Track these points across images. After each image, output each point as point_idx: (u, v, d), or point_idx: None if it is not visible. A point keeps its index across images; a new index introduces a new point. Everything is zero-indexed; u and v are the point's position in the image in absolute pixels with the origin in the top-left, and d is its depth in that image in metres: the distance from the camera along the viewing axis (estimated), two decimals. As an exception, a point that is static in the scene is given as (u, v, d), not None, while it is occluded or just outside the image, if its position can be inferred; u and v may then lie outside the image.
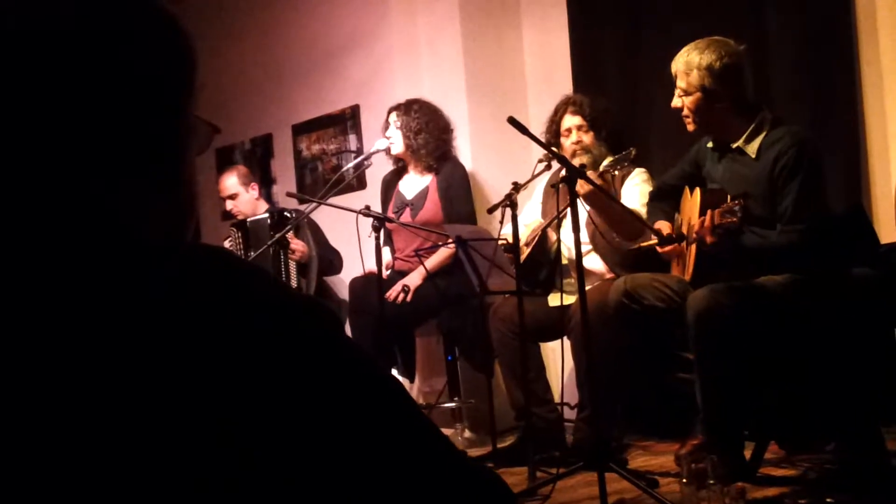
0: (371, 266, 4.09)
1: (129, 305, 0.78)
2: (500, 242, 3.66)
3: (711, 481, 2.54)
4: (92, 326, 0.77)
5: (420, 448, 0.85)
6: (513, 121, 3.12)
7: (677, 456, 3.31)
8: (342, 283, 5.13)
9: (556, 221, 3.84)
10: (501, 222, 3.66)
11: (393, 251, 4.84)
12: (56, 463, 0.74)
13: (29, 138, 0.82)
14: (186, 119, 0.91)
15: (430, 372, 5.08)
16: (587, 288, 3.25)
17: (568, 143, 4.13)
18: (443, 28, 5.13)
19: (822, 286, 3.12)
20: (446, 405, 4.67)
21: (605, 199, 3.55)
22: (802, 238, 3.15)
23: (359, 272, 4.56)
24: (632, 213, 3.61)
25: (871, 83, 4.01)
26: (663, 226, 3.49)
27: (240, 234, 5.14)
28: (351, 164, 4.74)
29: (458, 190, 4.66)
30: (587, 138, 4.11)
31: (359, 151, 5.54)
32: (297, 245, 4.93)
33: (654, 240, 3.49)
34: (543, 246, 4.09)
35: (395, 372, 4.70)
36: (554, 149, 3.53)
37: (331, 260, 5.13)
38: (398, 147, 4.71)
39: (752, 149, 3.30)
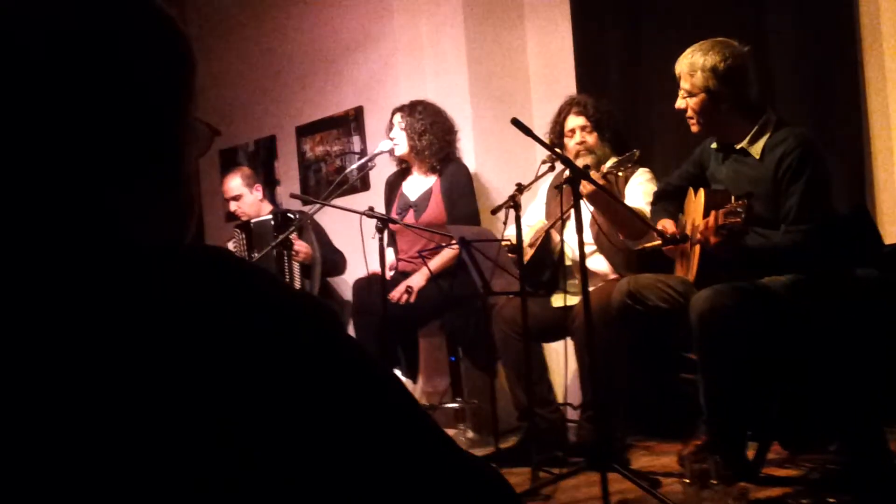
0: (375, 267, 4.10)
1: (130, 306, 0.78)
2: (503, 243, 3.67)
3: (714, 481, 2.54)
4: (93, 327, 0.77)
5: (422, 446, 0.85)
6: (516, 122, 3.13)
7: (680, 456, 3.31)
8: (346, 284, 5.13)
9: (559, 222, 3.84)
10: (505, 223, 3.66)
11: (396, 252, 4.84)
12: (56, 464, 0.74)
13: (28, 140, 0.82)
14: (186, 120, 0.91)
15: (433, 372, 5.08)
16: (590, 289, 3.25)
17: (572, 143, 4.13)
18: (446, 30, 5.14)
19: (826, 287, 3.12)
20: (449, 406, 4.67)
21: (609, 200, 3.56)
22: (806, 239, 3.15)
23: (362, 273, 4.56)
24: (635, 214, 3.61)
25: (874, 83, 4.01)
26: (667, 224, 3.49)
27: (244, 236, 5.15)
28: (354, 166, 4.75)
29: (461, 191, 4.66)
30: (591, 139, 4.11)
31: (362, 153, 5.55)
32: (300, 246, 4.93)
33: (657, 240, 3.50)
34: (547, 247, 4.09)
35: (398, 372, 4.71)
36: (557, 150, 3.53)
37: (335, 261, 5.13)
38: (402, 148, 4.71)
39: (757, 150, 3.30)
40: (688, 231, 3.42)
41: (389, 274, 4.54)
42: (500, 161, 5.04)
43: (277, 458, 0.79)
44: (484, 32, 5.16)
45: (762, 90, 3.59)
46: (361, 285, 4.61)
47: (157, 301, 0.79)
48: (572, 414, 4.18)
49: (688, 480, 2.61)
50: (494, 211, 3.71)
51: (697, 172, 3.58)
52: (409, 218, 4.66)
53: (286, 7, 6.04)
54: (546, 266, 4.10)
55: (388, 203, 4.93)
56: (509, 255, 3.70)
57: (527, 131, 3.16)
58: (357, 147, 5.70)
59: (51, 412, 0.75)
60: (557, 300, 4.07)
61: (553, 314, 4.01)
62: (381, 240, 3.96)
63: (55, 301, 0.77)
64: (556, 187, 3.78)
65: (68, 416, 0.75)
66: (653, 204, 3.77)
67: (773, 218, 3.21)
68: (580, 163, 3.59)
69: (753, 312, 3.05)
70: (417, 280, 4.51)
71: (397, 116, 4.74)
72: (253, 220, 5.15)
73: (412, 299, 4.45)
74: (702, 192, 3.37)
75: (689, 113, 3.37)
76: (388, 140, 4.67)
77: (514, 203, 3.51)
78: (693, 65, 3.31)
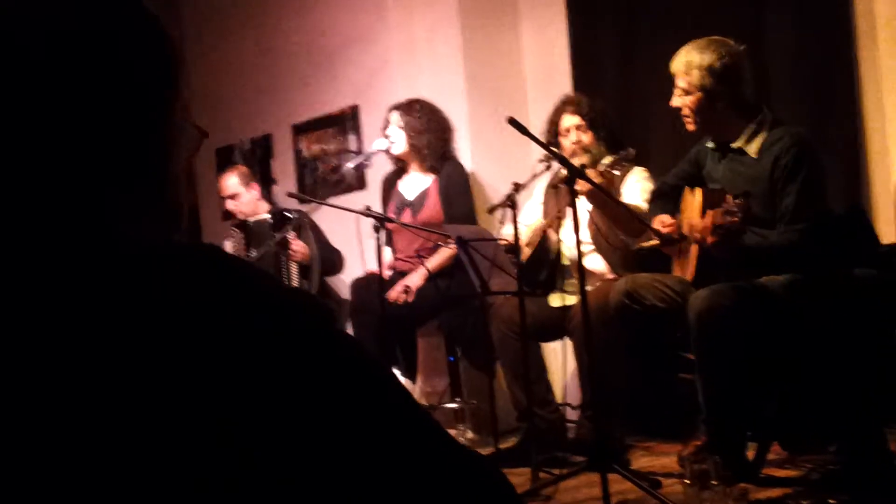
0: (372, 266, 4.09)
1: (129, 305, 0.78)
2: (500, 243, 3.66)
3: (714, 482, 2.54)
4: (92, 326, 0.76)
5: (422, 445, 0.85)
6: (512, 121, 3.12)
7: (680, 457, 3.31)
8: (343, 283, 5.13)
9: (557, 222, 3.84)
10: (502, 222, 3.65)
11: (394, 252, 4.84)
12: (56, 464, 0.74)
13: (23, 139, 0.82)
14: (174, 120, 0.92)
15: (431, 373, 5.08)
16: (588, 288, 3.25)
17: (567, 142, 4.13)
18: (442, 28, 5.13)
19: (823, 286, 3.12)
20: (448, 406, 4.66)
21: (606, 198, 3.55)
22: (803, 238, 3.15)
23: (360, 273, 4.56)
24: (633, 212, 3.61)
25: (870, 83, 4.01)
26: (665, 217, 3.48)
27: (241, 235, 5.15)
28: (351, 165, 4.74)
29: (458, 190, 4.66)
30: (586, 138, 4.11)
31: (359, 151, 5.54)
32: (297, 246, 4.93)
33: (655, 240, 3.49)
34: (544, 246, 4.09)
35: (396, 372, 4.70)
36: (554, 149, 3.53)
37: (332, 260, 5.13)
38: (400, 147, 4.70)
39: (753, 149, 3.30)
40: (685, 231, 3.42)
41: (387, 273, 4.53)
42: (496, 160, 5.03)
43: (277, 458, 0.78)
44: (480, 31, 5.15)
45: (758, 89, 3.60)
46: (359, 285, 4.61)
47: (155, 300, 0.79)
48: (571, 414, 4.19)
49: (688, 481, 2.60)
50: (491, 210, 3.71)
51: (694, 171, 3.57)
52: (406, 217, 4.66)
53: (282, 6, 6.03)
54: (544, 265, 4.09)
55: (385, 202, 4.92)
56: (507, 254, 3.70)
57: (523, 130, 3.15)
58: (353, 146, 5.69)
59: (50, 412, 0.75)
60: (555, 300, 4.06)
61: (551, 314, 4.01)
62: (378, 239, 3.95)
63: (53, 300, 0.77)
64: (553, 186, 3.78)
65: (67, 416, 0.75)
66: (649, 203, 3.76)
67: (770, 217, 3.21)
68: (576, 162, 3.58)
69: (751, 312, 3.05)
70: (415, 279, 4.51)
71: (394, 114, 4.73)
72: (251, 220, 5.14)
73: (410, 299, 4.45)
74: (698, 191, 3.37)
75: (685, 112, 3.37)
76: (383, 139, 4.67)
77: (510, 202, 3.51)
78: (689, 63, 3.31)
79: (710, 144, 3.48)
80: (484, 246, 3.61)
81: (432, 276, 4.39)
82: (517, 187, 3.57)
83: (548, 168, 3.85)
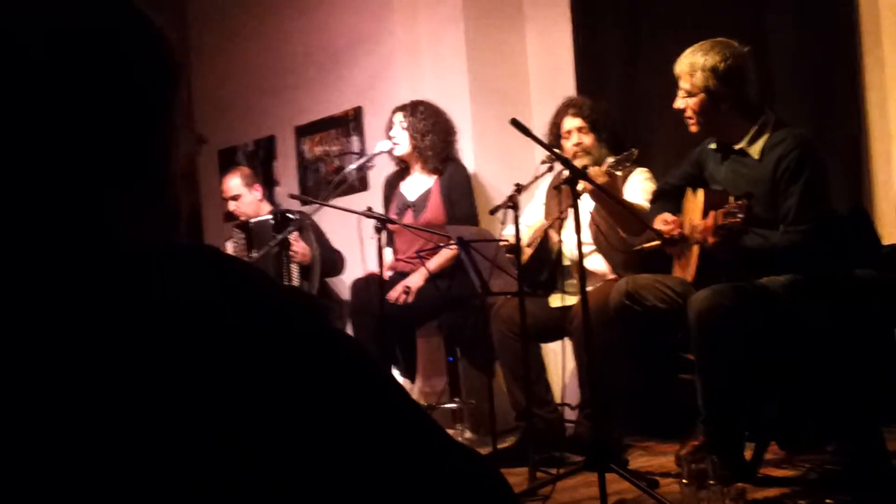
0: (373, 267, 4.10)
1: (129, 305, 0.78)
2: (501, 244, 3.67)
3: (712, 482, 2.54)
4: (91, 328, 0.77)
5: (422, 444, 0.85)
6: (515, 122, 3.13)
7: (678, 456, 3.30)
8: (344, 284, 5.13)
9: (558, 222, 3.85)
10: (503, 224, 3.66)
11: (395, 252, 4.84)
12: (57, 464, 0.74)
13: (24, 140, 0.82)
14: (172, 120, 0.92)
15: (431, 372, 5.08)
16: (589, 289, 3.25)
17: (568, 144, 4.13)
18: (446, 30, 5.14)
19: (824, 287, 3.12)
20: (447, 406, 4.67)
21: (609, 199, 3.55)
22: (805, 239, 3.15)
23: (361, 273, 4.57)
24: (635, 211, 3.62)
25: (873, 84, 4.01)
26: (667, 215, 3.48)
27: (243, 235, 5.15)
28: (353, 166, 4.75)
29: (460, 191, 4.66)
30: (587, 140, 4.12)
31: (361, 153, 5.54)
32: (298, 247, 4.93)
33: (656, 241, 3.50)
34: (545, 247, 4.09)
35: (396, 372, 4.71)
36: (556, 150, 3.54)
37: (333, 261, 5.13)
38: (404, 148, 4.71)
39: (755, 150, 3.30)
40: (686, 231, 3.42)
41: (387, 274, 4.54)
42: (499, 161, 5.04)
43: (277, 458, 0.78)
44: (484, 33, 5.16)
45: (761, 90, 3.60)
46: (360, 285, 4.61)
47: (156, 300, 0.79)
48: (570, 414, 4.18)
49: (685, 481, 2.60)
50: (493, 211, 3.71)
51: (696, 173, 3.58)
52: (408, 218, 4.66)
53: (286, 7, 6.04)
54: (544, 266, 4.10)
55: (387, 203, 4.93)
56: (507, 255, 3.71)
57: (526, 132, 3.16)
58: (356, 147, 5.70)
59: (50, 412, 0.75)
60: (555, 300, 4.07)
61: (551, 314, 4.01)
62: (379, 240, 3.95)
63: (54, 301, 0.77)
64: (555, 188, 3.79)
65: (68, 417, 0.75)
66: (651, 203, 3.77)
67: (772, 218, 3.21)
68: (577, 164, 3.59)
69: (752, 312, 3.05)
70: (415, 280, 4.51)
71: (398, 115, 4.74)
72: (252, 220, 5.15)
73: (410, 299, 4.45)
74: (700, 192, 3.37)
75: (689, 113, 3.38)
76: (387, 140, 4.67)
77: (512, 203, 3.51)
78: (693, 65, 3.31)
79: (712, 146, 3.48)
80: (484, 247, 3.61)
81: (433, 277, 4.39)
82: (519, 188, 3.58)
83: (550, 169, 3.86)
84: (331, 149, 5.86)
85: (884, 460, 3.02)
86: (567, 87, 4.95)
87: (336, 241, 5.15)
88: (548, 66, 5.22)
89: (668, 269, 3.58)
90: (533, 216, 4.34)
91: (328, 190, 4.44)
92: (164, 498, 0.75)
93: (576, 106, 4.19)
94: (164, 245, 0.85)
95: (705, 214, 3.21)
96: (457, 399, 4.68)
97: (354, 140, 5.72)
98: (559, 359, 4.25)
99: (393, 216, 4.67)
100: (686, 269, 3.41)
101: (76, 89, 0.83)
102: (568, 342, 3.98)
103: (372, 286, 4.30)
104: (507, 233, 3.62)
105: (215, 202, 6.19)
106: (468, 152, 4.99)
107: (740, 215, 3.01)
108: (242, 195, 5.27)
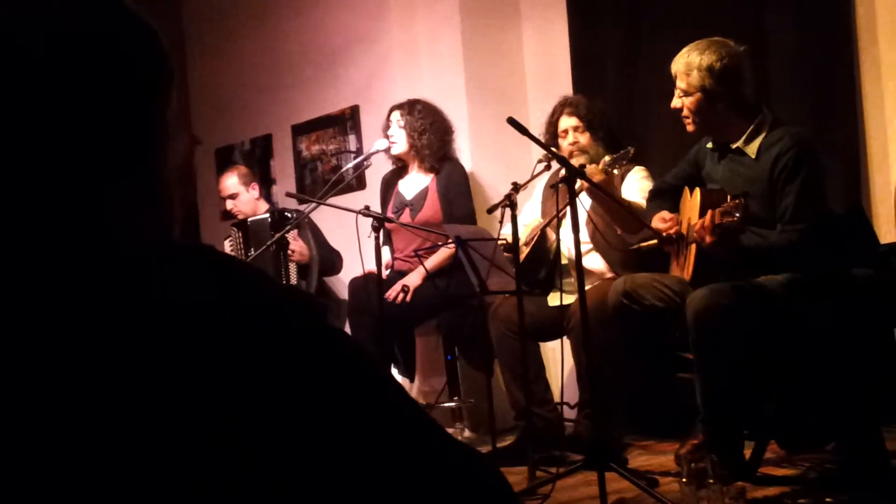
0: (371, 266, 4.09)
1: (129, 304, 0.78)
2: (499, 242, 3.67)
3: (711, 481, 2.54)
4: (90, 327, 0.77)
5: (420, 443, 0.85)
6: (512, 121, 3.13)
7: (677, 455, 3.31)
8: (342, 283, 5.13)
9: (555, 221, 3.84)
10: (501, 222, 3.66)
11: (392, 251, 4.84)
12: (57, 464, 0.74)
13: (14, 139, 0.82)
14: (168, 119, 0.92)
15: (429, 371, 5.08)
16: (587, 288, 3.25)
17: (565, 144, 4.14)
18: (443, 29, 5.14)
19: (822, 286, 3.13)
20: (446, 405, 4.67)
21: (607, 194, 3.55)
22: (802, 238, 3.15)
23: (358, 272, 4.56)
24: (632, 210, 3.61)
25: (870, 84, 4.02)
26: (665, 214, 3.49)
27: (240, 234, 5.15)
28: (350, 165, 4.74)
29: (457, 190, 4.66)
30: (583, 139, 4.12)
31: (358, 152, 5.54)
32: (296, 246, 4.93)
33: (653, 240, 3.50)
34: (543, 246, 4.09)
35: (395, 371, 4.71)
36: (553, 149, 3.54)
37: (331, 260, 5.13)
38: (401, 146, 4.71)
39: (752, 149, 3.30)
40: (683, 230, 3.42)
41: (385, 273, 4.54)
42: (496, 160, 5.04)
43: (277, 458, 0.79)
44: (480, 32, 5.16)
45: (758, 89, 3.60)
46: (358, 284, 4.60)
47: (156, 299, 0.79)
48: (569, 413, 4.18)
49: (685, 479, 2.60)
50: (491, 210, 3.71)
51: (693, 172, 3.58)
52: (405, 217, 4.66)
53: (283, 6, 6.04)
54: (542, 265, 4.10)
55: (384, 202, 4.92)
56: (505, 254, 3.70)
57: (523, 130, 3.16)
58: (353, 146, 5.70)
59: (50, 412, 0.75)
60: (554, 299, 4.06)
61: (549, 313, 4.01)
62: (376, 239, 3.95)
63: (54, 300, 0.77)
64: (553, 186, 3.78)
65: (68, 416, 0.75)
66: (648, 202, 3.77)
67: (770, 217, 3.21)
68: (574, 163, 3.59)
69: (749, 311, 3.05)
70: (413, 279, 4.51)
71: (396, 114, 4.73)
72: (250, 219, 5.14)
73: (408, 298, 4.45)
74: (698, 191, 3.37)
75: (685, 112, 3.37)
76: (384, 139, 4.67)
77: (510, 202, 3.51)
78: (689, 64, 3.31)
79: (709, 145, 3.48)
80: (482, 245, 3.61)
81: (431, 276, 4.39)
82: (516, 187, 3.58)
83: (547, 168, 3.86)
84: (328, 147, 5.86)
85: (883, 459, 3.02)
86: (564, 86, 4.95)
87: (333, 240, 5.15)
88: (544, 65, 5.22)
89: (666, 267, 3.58)
90: (530, 215, 4.34)
91: (325, 189, 4.43)
92: (165, 498, 0.75)
93: (572, 105, 4.19)
94: (162, 244, 0.85)
95: (702, 213, 3.21)
96: (456, 398, 4.68)
97: (351, 139, 5.72)
98: (558, 358, 4.25)
99: (390, 215, 4.67)
100: (684, 268, 3.41)
101: (75, 88, 0.84)
102: (567, 341, 3.98)
103: (370, 285, 4.30)
104: (506, 232, 3.62)
105: (212, 201, 6.19)
106: (465, 151, 4.99)
107: (737, 214, 3.01)
108: (239, 194, 5.27)
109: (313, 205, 4.34)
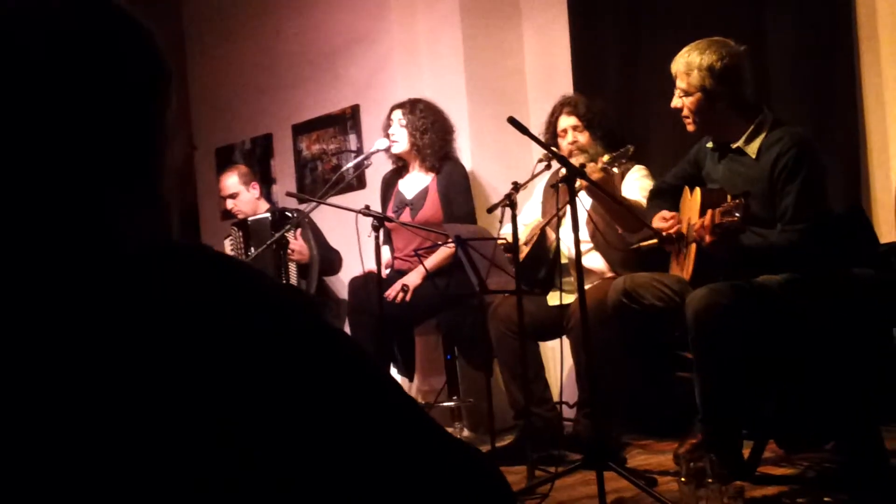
0: (371, 265, 4.10)
1: (128, 305, 0.78)
2: (499, 242, 3.67)
3: (710, 480, 2.54)
4: (91, 327, 0.77)
5: (419, 441, 0.85)
6: (513, 121, 3.13)
7: (676, 455, 3.31)
8: (341, 282, 5.13)
9: (555, 220, 3.85)
10: (501, 222, 3.66)
11: (392, 250, 4.84)
12: (57, 464, 0.74)
13: (15, 139, 0.82)
14: (167, 120, 0.92)
15: (429, 371, 5.08)
16: (587, 287, 3.25)
17: (564, 143, 4.14)
18: (443, 28, 5.14)
19: (822, 286, 3.13)
20: (445, 404, 4.67)
21: (606, 193, 3.55)
22: (802, 238, 3.15)
23: (358, 272, 4.56)
24: (633, 210, 3.62)
25: (870, 83, 4.01)
26: (665, 213, 3.49)
27: (240, 234, 5.15)
28: (351, 164, 4.74)
29: (457, 190, 4.66)
30: (583, 138, 4.12)
31: (359, 151, 5.54)
32: (296, 245, 4.93)
33: (653, 239, 3.50)
34: (543, 245, 4.10)
35: (394, 371, 4.71)
36: (553, 148, 3.54)
37: (331, 260, 5.13)
38: (403, 145, 4.71)
39: (753, 149, 3.30)
40: (684, 230, 3.42)
41: (385, 272, 4.54)
42: (496, 160, 5.04)
43: (277, 458, 0.79)
44: (481, 31, 5.16)
45: (759, 89, 3.60)
46: (357, 284, 4.60)
47: (156, 299, 0.79)
48: (568, 412, 4.19)
49: (684, 479, 2.61)
50: (491, 209, 3.71)
51: (693, 171, 3.58)
52: (406, 216, 4.66)
53: (283, 6, 6.04)
54: (542, 264, 4.10)
55: (384, 201, 4.92)
56: (505, 253, 3.70)
57: (523, 130, 3.16)
58: (353, 145, 5.70)
59: (50, 412, 0.75)
60: (553, 298, 4.06)
61: (549, 312, 4.01)
62: (376, 238, 3.95)
63: (54, 300, 0.77)
64: (553, 186, 3.78)
65: (68, 416, 0.75)
66: (648, 201, 3.77)
67: (770, 217, 3.22)
68: (574, 162, 3.59)
69: (749, 311, 3.06)
70: (413, 278, 4.51)
71: (397, 113, 4.73)
72: (250, 218, 5.15)
73: (408, 298, 4.45)
74: (698, 191, 3.37)
75: (685, 112, 3.38)
76: (384, 139, 4.67)
77: (510, 201, 3.51)
78: (689, 64, 3.31)
79: (709, 144, 3.48)
80: (482, 245, 3.61)
81: (430, 275, 4.39)
82: (517, 187, 3.58)
83: (548, 168, 3.86)
84: (328, 147, 5.86)
85: (882, 459, 3.02)
86: (564, 85, 4.95)
87: (333, 240, 5.15)
88: (545, 65, 5.22)
89: (666, 267, 3.58)
90: (531, 214, 4.34)
91: (325, 188, 4.43)
92: (165, 498, 0.75)
93: (571, 104, 4.20)
94: (162, 244, 0.85)
95: (703, 213, 3.21)
96: (455, 397, 4.68)
97: (352, 138, 5.72)
98: (557, 357, 4.25)
99: (390, 214, 4.67)
100: (683, 268, 3.41)
101: (75, 88, 0.84)
102: (566, 340, 3.98)
103: (370, 285, 4.30)
104: (506, 232, 3.62)
105: (213, 200, 6.19)
106: (465, 150, 4.99)
107: (738, 214, 3.01)
108: (240, 193, 5.27)
109: (313, 204, 4.34)
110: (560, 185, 3.22)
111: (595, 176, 3.47)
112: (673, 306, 3.27)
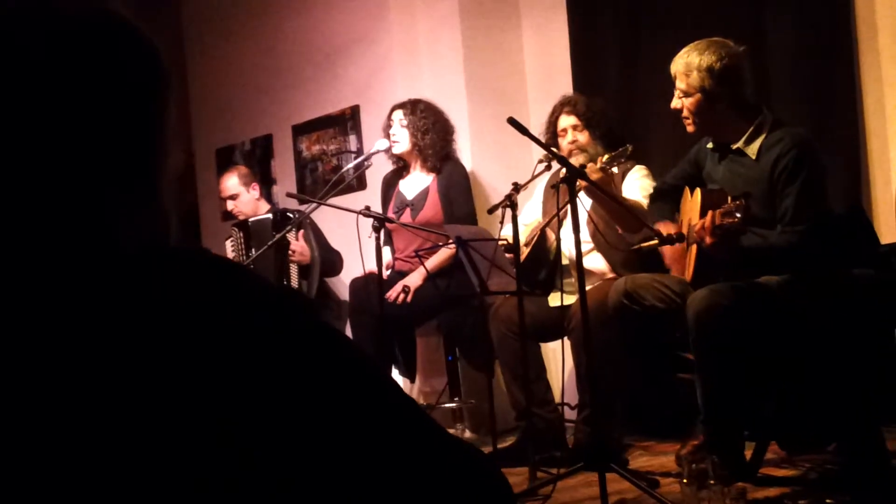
0: (371, 266, 4.09)
1: (128, 305, 0.78)
2: (500, 243, 3.67)
3: (712, 481, 2.54)
4: (91, 327, 0.77)
5: (419, 441, 0.85)
6: (513, 121, 3.13)
7: (678, 456, 3.31)
8: (342, 283, 5.13)
9: (555, 221, 3.84)
10: (501, 223, 3.66)
11: (393, 251, 4.84)
12: (57, 464, 0.74)
13: (16, 139, 0.82)
14: (163, 123, 0.92)
15: (430, 372, 5.08)
16: (587, 288, 3.25)
17: (564, 143, 4.13)
18: (443, 29, 5.14)
19: (823, 286, 3.12)
20: (447, 405, 4.67)
21: (605, 193, 3.55)
22: (802, 239, 3.15)
23: (359, 273, 4.56)
24: (633, 210, 3.61)
25: (870, 84, 4.01)
26: (666, 227, 3.49)
27: (241, 234, 5.15)
28: (351, 165, 4.74)
29: (458, 190, 4.66)
30: (582, 138, 4.12)
31: (359, 152, 5.54)
32: (297, 246, 4.93)
33: (654, 240, 3.50)
34: (543, 246, 4.09)
35: (395, 372, 4.71)
36: (553, 149, 3.54)
37: (332, 261, 5.13)
38: (404, 146, 4.71)
39: (753, 150, 3.30)
40: (684, 231, 3.42)
41: (386, 273, 4.54)
42: (496, 160, 5.04)
43: (277, 458, 0.79)
44: (480, 31, 5.16)
45: (759, 90, 3.60)
46: (358, 285, 4.60)
47: (157, 300, 0.79)
48: (570, 414, 4.18)
49: (686, 480, 2.60)
50: (491, 210, 3.71)
51: (693, 172, 3.58)
52: (406, 217, 4.66)
53: (283, 6, 6.03)
54: (543, 265, 4.10)
55: (385, 202, 4.92)
56: (506, 254, 3.70)
57: (523, 130, 3.16)
58: (353, 146, 5.69)
59: (51, 412, 0.75)
60: (554, 299, 4.06)
61: (550, 313, 4.01)
62: (377, 239, 3.95)
63: (55, 301, 0.78)
64: (553, 186, 3.78)
65: (68, 416, 0.75)
66: (649, 203, 3.77)
67: (770, 218, 3.21)
68: (574, 162, 3.59)
69: (750, 312, 3.05)
70: (414, 279, 4.51)
71: (398, 113, 4.73)
72: (251, 219, 5.14)
73: (409, 299, 4.45)
74: (698, 191, 3.37)
75: (685, 113, 3.37)
76: (384, 139, 4.67)
77: (510, 202, 3.51)
78: (689, 65, 3.31)
79: (709, 145, 3.48)
80: (483, 246, 3.61)
81: (431, 276, 4.39)
82: (517, 187, 3.58)
83: (548, 168, 3.86)
84: (328, 147, 5.85)
85: (884, 460, 3.02)
86: (564, 85, 4.95)
87: (334, 241, 5.15)
88: (545, 65, 5.22)
89: (667, 268, 3.58)
90: (531, 215, 4.34)
91: (326, 189, 4.43)
92: (165, 498, 0.75)
93: (570, 104, 4.19)
94: (161, 245, 0.85)
95: (703, 214, 3.21)
96: (456, 399, 4.68)
97: (352, 139, 5.72)
98: (559, 358, 4.25)
99: (391, 215, 4.67)
100: (684, 269, 3.41)
101: (75, 89, 0.84)
102: (567, 341, 3.98)
103: (371, 285, 4.30)
104: (506, 233, 3.62)
105: (213, 201, 6.19)
106: (465, 151, 4.99)
107: (738, 215, 3.01)
108: (240, 194, 5.27)
109: (314, 205, 4.34)
110: (560, 185, 3.21)
111: (594, 176, 3.47)
112: (674, 307, 3.27)
